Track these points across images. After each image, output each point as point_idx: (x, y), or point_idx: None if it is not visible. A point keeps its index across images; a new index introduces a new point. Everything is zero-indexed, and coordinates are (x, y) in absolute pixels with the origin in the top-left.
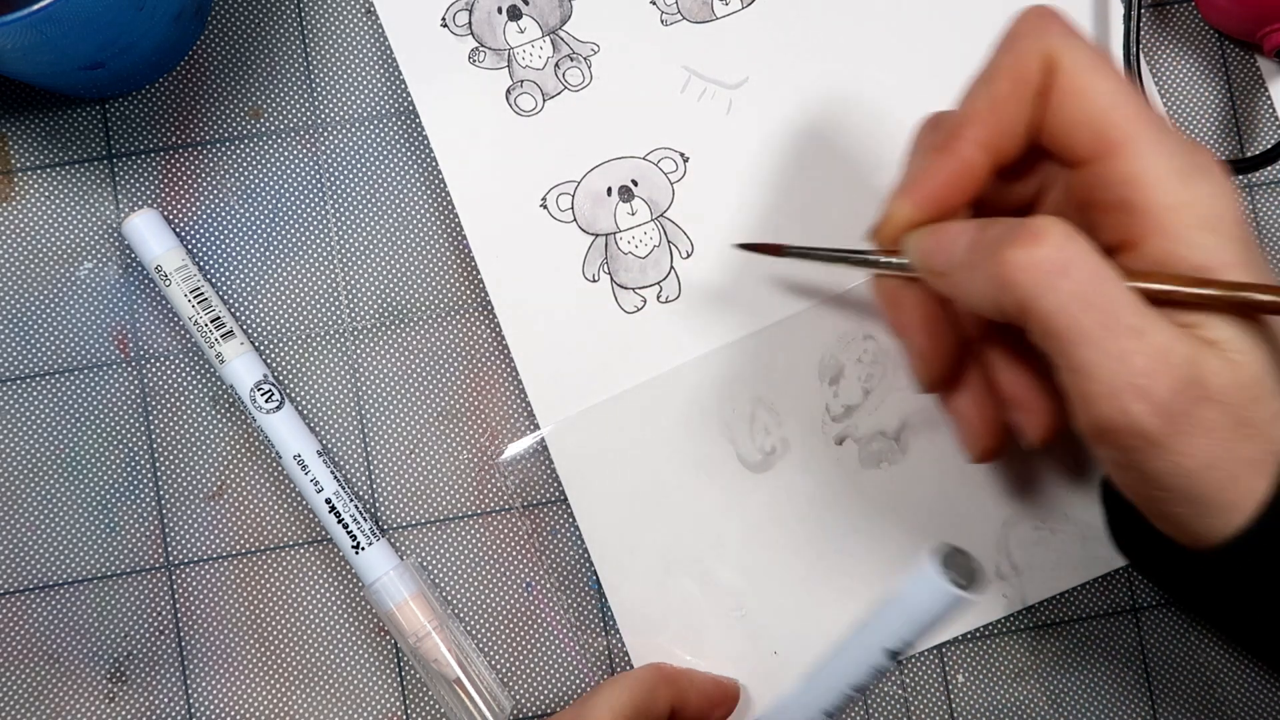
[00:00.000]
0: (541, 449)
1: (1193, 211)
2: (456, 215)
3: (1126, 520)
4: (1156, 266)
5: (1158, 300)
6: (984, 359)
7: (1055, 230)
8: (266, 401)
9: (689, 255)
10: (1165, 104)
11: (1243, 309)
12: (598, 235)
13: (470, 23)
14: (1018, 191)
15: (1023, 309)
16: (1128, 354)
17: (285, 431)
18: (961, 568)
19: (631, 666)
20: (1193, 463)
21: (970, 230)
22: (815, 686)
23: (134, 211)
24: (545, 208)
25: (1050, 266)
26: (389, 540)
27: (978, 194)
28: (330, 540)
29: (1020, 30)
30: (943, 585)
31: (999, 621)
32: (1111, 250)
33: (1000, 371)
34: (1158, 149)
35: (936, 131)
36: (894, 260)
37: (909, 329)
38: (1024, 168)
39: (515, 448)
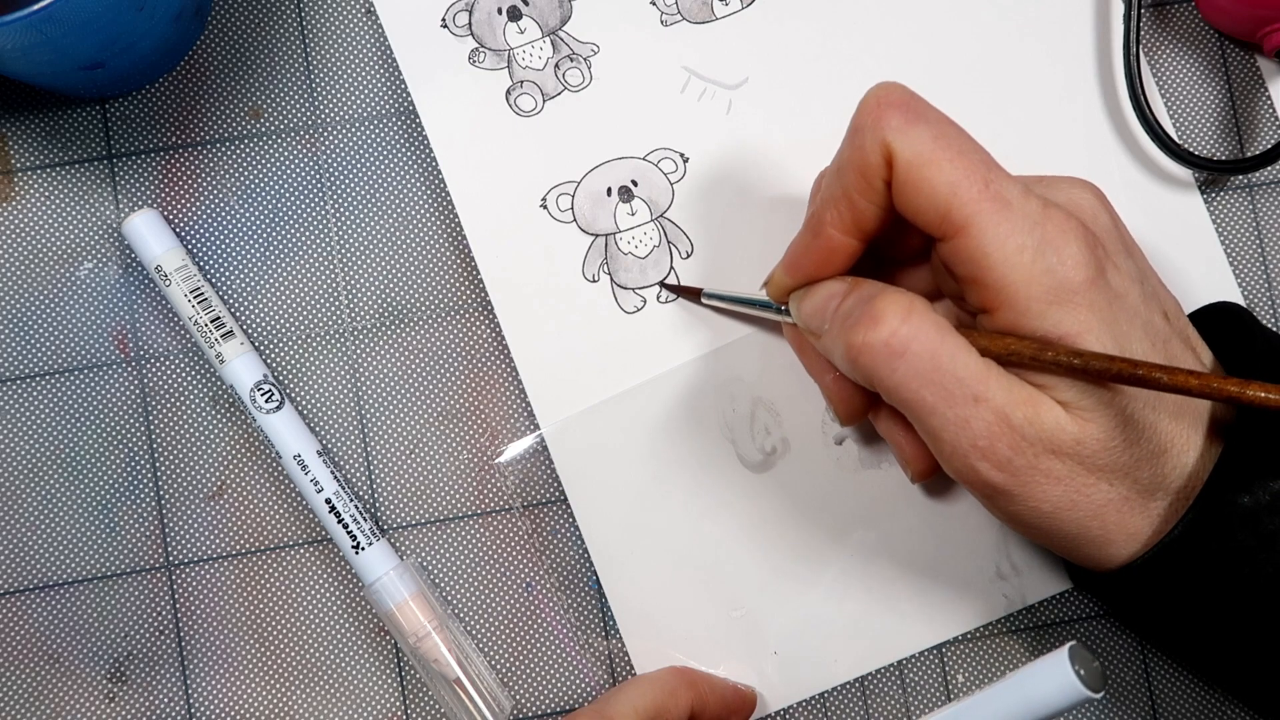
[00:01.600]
0: (541, 449)
1: (1039, 285)
2: (456, 215)
3: None
4: (1009, 332)
5: (1008, 362)
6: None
7: (892, 312)
8: (266, 401)
9: (689, 255)
10: (1165, 104)
11: (1079, 374)
12: (598, 235)
13: (470, 23)
14: None
15: (870, 384)
16: (967, 420)
17: (285, 431)
18: (1088, 667)
19: (632, 666)
20: (1048, 506)
21: (838, 296)
22: None
23: (134, 211)
24: (545, 208)
25: (887, 349)
26: (389, 540)
27: (851, 263)
28: (330, 540)
29: (859, 123)
30: (1071, 679)
31: (999, 621)
32: (977, 312)
33: (878, 419)
34: (1001, 228)
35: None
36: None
37: (817, 370)
38: None
39: (515, 448)
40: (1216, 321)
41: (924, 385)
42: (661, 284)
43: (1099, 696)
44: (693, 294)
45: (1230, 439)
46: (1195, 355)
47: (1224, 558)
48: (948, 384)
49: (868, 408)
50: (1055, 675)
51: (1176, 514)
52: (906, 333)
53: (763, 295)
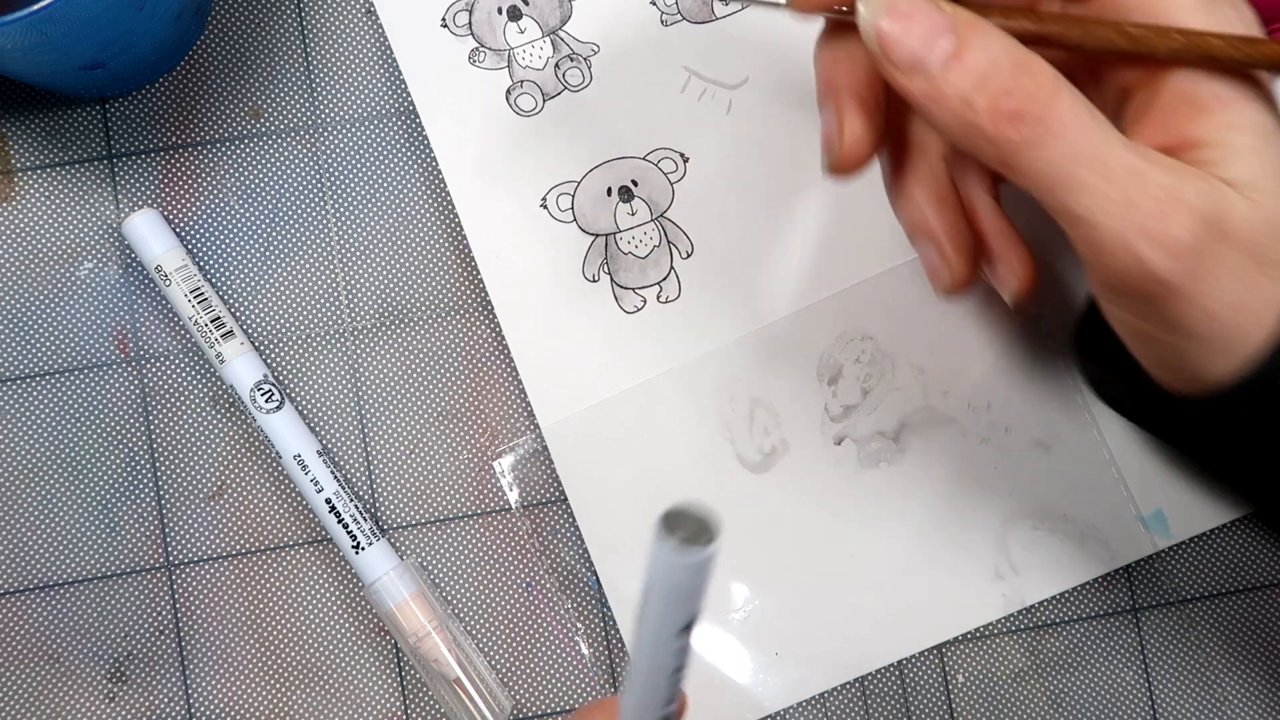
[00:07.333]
0: (541, 449)
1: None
2: (456, 215)
3: (1107, 369)
4: (1181, 98)
5: (1140, 60)
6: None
7: (1047, 88)
8: (266, 401)
9: (689, 255)
10: None
11: (1242, 63)
12: (598, 235)
13: (470, 23)
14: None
15: (1004, 166)
16: (1131, 198)
17: (285, 431)
18: (689, 524)
19: None
20: (1218, 306)
21: (950, 33)
22: (643, 693)
23: (134, 211)
24: (545, 208)
25: (1041, 124)
26: (389, 540)
27: None
28: (330, 540)
29: None
30: (673, 555)
31: (998, 621)
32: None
33: (907, 195)
34: None
35: None
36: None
37: (836, 91)
38: None
39: (515, 447)
40: None
41: (1079, 164)
42: None
43: (711, 550)
44: None
45: None
46: None
47: None
48: (1106, 159)
49: (897, 159)
50: (661, 558)
51: None
52: (1059, 107)
53: None
